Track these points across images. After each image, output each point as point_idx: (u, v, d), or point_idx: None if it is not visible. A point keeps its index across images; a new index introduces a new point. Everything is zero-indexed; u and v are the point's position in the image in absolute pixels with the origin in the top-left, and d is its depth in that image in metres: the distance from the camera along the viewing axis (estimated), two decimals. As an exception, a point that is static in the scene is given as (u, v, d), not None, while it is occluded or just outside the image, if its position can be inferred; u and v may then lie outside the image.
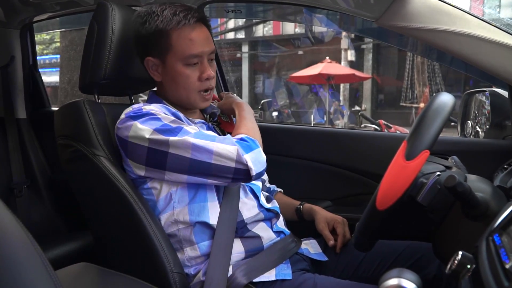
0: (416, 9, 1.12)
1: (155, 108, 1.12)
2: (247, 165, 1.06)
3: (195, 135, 1.08)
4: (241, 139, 1.11)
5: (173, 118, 1.11)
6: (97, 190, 1.17)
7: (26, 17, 1.94)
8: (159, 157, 1.08)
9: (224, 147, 1.06)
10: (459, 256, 0.64)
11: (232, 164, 1.06)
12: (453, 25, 1.10)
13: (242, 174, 1.08)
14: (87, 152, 1.14)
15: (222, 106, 1.35)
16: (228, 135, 1.13)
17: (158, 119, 1.09)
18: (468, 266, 0.64)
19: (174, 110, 1.18)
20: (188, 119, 1.22)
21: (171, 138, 1.06)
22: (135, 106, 1.15)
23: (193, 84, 1.18)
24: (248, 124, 1.21)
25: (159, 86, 1.25)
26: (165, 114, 1.12)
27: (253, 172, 1.07)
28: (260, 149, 1.12)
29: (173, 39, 1.14)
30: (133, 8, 1.39)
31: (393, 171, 0.85)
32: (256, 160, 1.08)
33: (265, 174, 1.45)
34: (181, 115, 1.17)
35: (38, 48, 2.22)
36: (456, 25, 1.10)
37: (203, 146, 1.06)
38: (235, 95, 1.38)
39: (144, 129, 1.08)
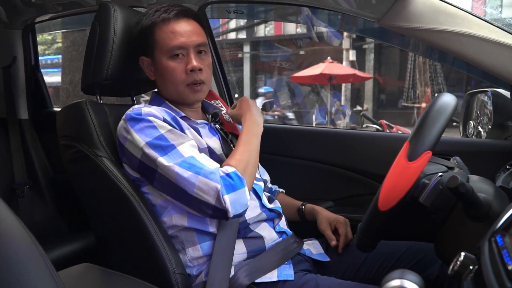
0: (418, 9, 1.12)
1: (155, 112, 1.11)
2: (225, 206, 1.03)
3: (182, 163, 1.05)
4: (228, 175, 1.06)
5: (170, 127, 1.10)
6: (99, 190, 1.17)
7: (28, 17, 1.95)
8: (148, 172, 1.09)
9: (206, 183, 1.03)
10: (462, 257, 0.64)
11: (212, 202, 1.03)
12: (455, 26, 1.10)
13: (220, 213, 1.05)
14: (89, 152, 1.14)
15: (232, 112, 1.30)
16: (217, 167, 1.06)
17: (154, 128, 1.09)
18: (471, 267, 0.63)
19: (174, 114, 1.17)
20: (190, 119, 1.22)
21: (159, 159, 1.05)
22: (135, 106, 1.15)
23: (179, 77, 1.18)
24: (246, 148, 1.15)
25: (156, 85, 1.26)
26: (164, 120, 1.11)
27: (230, 214, 1.04)
28: (245, 189, 1.07)
29: (157, 34, 1.17)
30: (135, 8, 1.40)
31: (395, 172, 0.85)
32: (236, 202, 1.04)
33: (267, 174, 1.45)
34: (180, 120, 1.16)
35: (40, 48, 2.23)
36: (458, 26, 1.10)
37: (186, 177, 1.04)
38: (252, 100, 1.29)
39: (138, 141, 1.08)
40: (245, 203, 1.07)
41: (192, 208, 1.07)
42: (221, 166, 1.09)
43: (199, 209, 1.06)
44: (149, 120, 1.09)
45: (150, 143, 1.07)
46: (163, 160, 1.05)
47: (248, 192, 1.08)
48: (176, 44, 1.16)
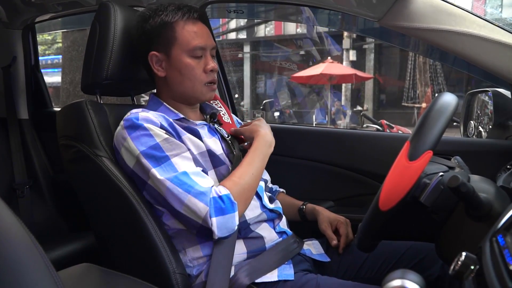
0: (418, 9, 1.12)
1: (152, 117, 1.11)
2: (211, 228, 1.04)
3: (174, 178, 1.05)
4: (220, 197, 1.05)
5: (166, 136, 1.10)
6: (99, 190, 1.17)
7: (28, 17, 1.95)
8: (139, 181, 1.11)
9: (195, 203, 1.03)
10: (463, 257, 0.64)
11: (199, 221, 1.05)
12: (456, 25, 1.10)
13: (206, 232, 1.07)
14: (89, 152, 1.14)
15: (245, 128, 1.28)
16: (209, 187, 1.06)
17: (150, 136, 1.08)
18: (472, 267, 0.63)
19: (171, 117, 1.17)
20: (189, 121, 1.22)
21: (152, 171, 1.06)
22: (133, 111, 1.14)
23: (199, 76, 1.19)
24: (247, 170, 1.14)
25: (162, 83, 1.24)
26: (161, 126, 1.10)
27: (215, 236, 1.05)
28: (235, 214, 1.06)
29: (178, 31, 1.18)
30: (135, 8, 1.39)
31: (396, 172, 0.85)
32: (223, 225, 1.05)
33: (267, 174, 1.45)
34: (177, 126, 1.15)
35: (40, 48, 2.23)
36: (459, 25, 1.10)
37: (176, 194, 1.04)
38: (264, 122, 1.29)
39: (133, 149, 1.09)
40: (232, 227, 1.07)
41: (181, 221, 1.10)
42: (219, 179, 1.12)
43: (186, 224, 1.09)
44: (145, 128, 1.09)
45: (145, 152, 1.07)
46: (155, 172, 1.06)
47: (238, 217, 1.07)
48: (199, 44, 1.18)
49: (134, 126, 1.10)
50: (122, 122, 1.13)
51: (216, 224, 1.04)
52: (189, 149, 1.13)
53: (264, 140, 1.21)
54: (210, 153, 1.17)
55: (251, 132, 1.24)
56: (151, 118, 1.11)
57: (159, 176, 1.05)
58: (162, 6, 1.20)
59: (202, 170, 1.11)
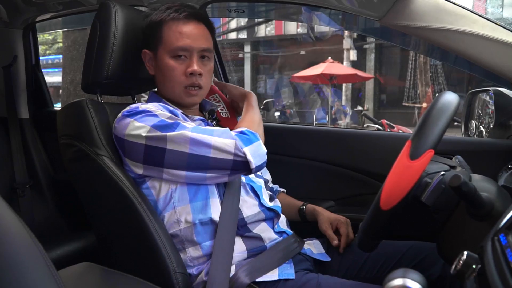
0: (420, 8, 1.11)
1: (151, 106, 1.13)
2: (246, 158, 1.06)
3: (193, 129, 1.08)
4: (241, 132, 1.11)
5: (169, 114, 1.12)
6: (99, 189, 1.17)
7: (29, 17, 1.95)
8: (157, 154, 1.08)
9: (222, 141, 1.06)
10: (464, 256, 0.64)
11: (231, 157, 1.06)
12: (457, 24, 1.09)
13: (241, 167, 1.08)
14: (89, 151, 1.14)
15: (232, 90, 1.37)
16: (227, 128, 1.12)
17: (155, 115, 1.10)
18: (474, 266, 0.63)
19: (172, 108, 1.18)
20: (187, 116, 1.22)
21: (169, 133, 1.06)
22: (132, 105, 1.16)
23: (178, 78, 1.19)
24: (253, 117, 1.23)
25: (155, 82, 1.27)
26: (161, 111, 1.12)
27: (253, 165, 1.07)
28: (261, 142, 1.12)
29: (164, 31, 1.19)
30: (135, 7, 1.39)
31: (397, 171, 0.84)
32: (256, 153, 1.08)
33: (269, 174, 1.45)
34: (179, 112, 1.18)
35: (40, 48, 2.23)
36: (460, 24, 1.09)
37: (201, 140, 1.06)
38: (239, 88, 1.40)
39: (141, 126, 1.08)
40: (263, 154, 1.11)
41: (210, 172, 1.09)
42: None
43: (218, 169, 1.09)
44: (148, 111, 1.11)
45: (155, 125, 1.08)
46: (172, 133, 1.06)
47: (263, 145, 1.12)
48: (181, 45, 1.17)
49: (136, 112, 1.11)
50: (120, 115, 1.14)
51: (250, 152, 1.07)
52: None
53: (255, 97, 1.32)
54: None
55: (241, 90, 1.36)
56: (150, 106, 1.13)
57: (178, 131, 1.06)
58: (163, 6, 1.21)
59: None
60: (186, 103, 1.24)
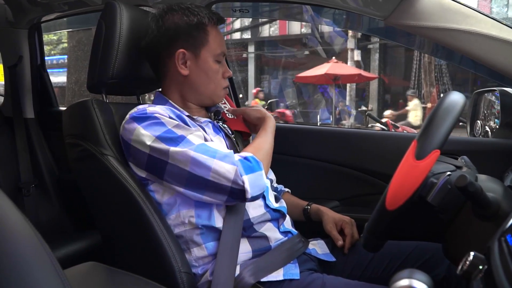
0: (425, 7, 1.11)
1: (159, 110, 1.11)
2: (243, 186, 1.04)
3: (197, 148, 1.05)
4: (245, 158, 1.08)
5: (177, 122, 1.10)
6: (105, 189, 1.17)
7: (34, 17, 1.95)
8: (158, 166, 1.08)
9: (223, 166, 1.03)
10: (471, 257, 0.64)
11: (229, 184, 1.04)
12: (463, 24, 1.09)
13: (238, 195, 1.05)
14: (95, 151, 1.14)
15: (250, 114, 1.33)
16: (231, 151, 1.08)
17: (162, 124, 1.08)
18: (480, 267, 0.63)
19: (178, 112, 1.17)
20: (194, 118, 1.22)
21: (172, 149, 1.05)
22: (140, 106, 1.14)
23: (219, 80, 1.25)
24: (263, 144, 1.19)
25: (175, 81, 1.23)
26: (169, 117, 1.11)
27: (249, 195, 1.04)
28: (263, 172, 1.08)
29: (210, 34, 1.21)
30: (141, 7, 1.39)
31: (403, 171, 0.84)
32: (254, 183, 1.05)
33: (272, 174, 1.45)
34: (185, 117, 1.16)
35: (45, 48, 2.24)
36: (466, 24, 1.09)
37: (202, 161, 1.04)
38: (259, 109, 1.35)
39: (146, 135, 1.07)
40: (263, 185, 1.08)
41: (207, 194, 1.06)
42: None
43: (215, 193, 1.06)
44: (155, 117, 1.09)
45: (160, 136, 1.07)
46: (175, 148, 1.05)
47: (265, 176, 1.10)
48: (222, 51, 1.23)
49: (143, 117, 1.10)
50: (127, 117, 1.13)
51: (248, 181, 1.04)
52: None
53: (272, 123, 1.28)
54: None
55: (259, 113, 1.31)
56: (158, 110, 1.11)
57: (180, 149, 1.05)
58: (192, 5, 1.21)
59: None
60: (217, 102, 1.31)
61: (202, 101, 1.26)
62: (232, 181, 1.03)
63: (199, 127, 1.17)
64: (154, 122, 1.09)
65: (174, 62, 1.19)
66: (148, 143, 1.07)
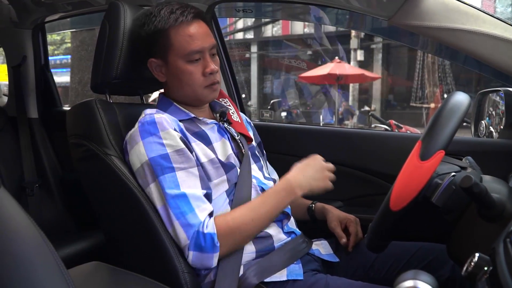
0: (430, 7, 1.10)
1: (167, 119, 1.11)
2: (187, 257, 1.06)
3: (172, 198, 1.05)
4: (204, 235, 1.04)
5: (178, 147, 1.09)
6: (108, 189, 1.17)
7: (38, 17, 1.96)
8: (141, 182, 1.12)
9: (180, 232, 1.05)
10: (476, 258, 0.63)
11: (180, 245, 1.07)
12: (468, 24, 1.08)
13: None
14: (98, 151, 1.14)
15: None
16: (195, 222, 1.04)
17: (162, 145, 1.08)
18: (485, 268, 0.62)
19: (182, 124, 1.16)
20: (200, 120, 1.21)
21: (153, 184, 1.08)
22: (147, 112, 1.14)
23: (197, 80, 1.18)
24: (249, 214, 1.10)
25: (166, 86, 1.25)
26: (173, 132, 1.10)
27: (191, 264, 1.07)
28: (213, 255, 1.05)
29: (172, 37, 1.15)
30: (144, 8, 1.39)
31: (407, 171, 0.84)
32: (199, 261, 1.06)
33: (275, 174, 1.44)
34: (187, 132, 1.15)
35: (49, 48, 2.24)
36: (471, 24, 1.08)
37: (167, 214, 1.06)
38: (311, 162, 1.25)
39: (142, 154, 1.09)
40: (207, 265, 1.07)
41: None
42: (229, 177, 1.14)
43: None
44: (159, 136, 1.09)
45: (153, 159, 1.08)
46: (157, 184, 1.07)
47: (216, 259, 1.06)
48: (194, 49, 1.15)
49: (149, 132, 1.10)
50: (137, 125, 1.13)
51: (192, 258, 1.05)
52: (197, 158, 1.13)
53: (287, 184, 1.14)
54: (219, 161, 1.17)
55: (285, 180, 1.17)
56: (164, 124, 1.10)
57: (159, 190, 1.07)
58: (156, 9, 1.17)
59: (206, 193, 1.10)
60: (208, 101, 1.25)
61: (191, 103, 1.23)
62: (181, 247, 1.06)
63: (200, 147, 1.16)
64: (156, 142, 1.09)
65: (152, 71, 1.21)
66: (139, 163, 1.09)
